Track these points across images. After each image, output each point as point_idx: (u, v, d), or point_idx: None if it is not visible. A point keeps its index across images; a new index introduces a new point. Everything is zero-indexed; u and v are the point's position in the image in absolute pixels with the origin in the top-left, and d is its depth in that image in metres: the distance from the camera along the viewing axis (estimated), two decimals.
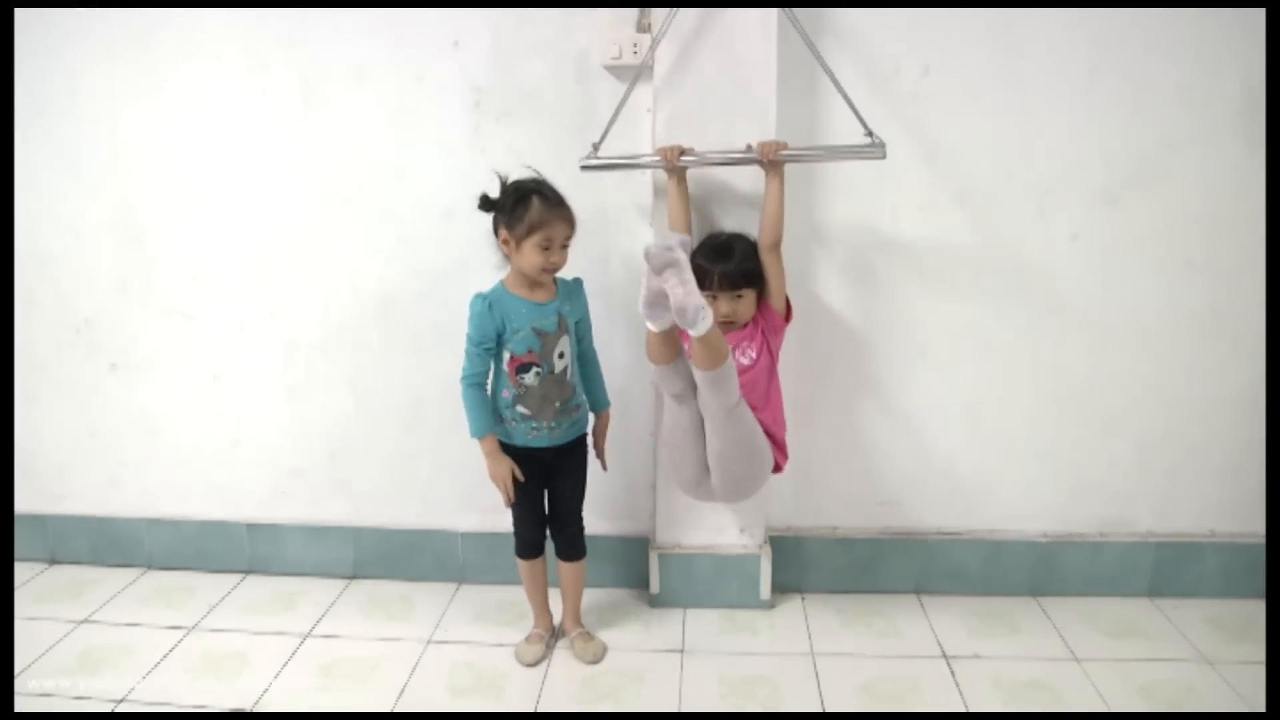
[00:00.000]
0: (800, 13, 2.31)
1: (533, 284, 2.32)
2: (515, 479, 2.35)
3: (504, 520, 2.81)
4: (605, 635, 2.62)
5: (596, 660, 2.50)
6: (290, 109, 2.69)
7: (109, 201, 2.84)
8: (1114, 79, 2.48)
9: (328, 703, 2.35)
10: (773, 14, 2.34)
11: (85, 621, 2.76)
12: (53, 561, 3.15)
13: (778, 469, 2.44)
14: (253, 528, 3.01)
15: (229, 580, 2.99)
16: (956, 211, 2.59)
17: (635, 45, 2.46)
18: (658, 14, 2.35)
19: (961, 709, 2.27)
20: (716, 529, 2.68)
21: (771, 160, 2.30)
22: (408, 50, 2.61)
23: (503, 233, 2.27)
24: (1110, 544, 2.76)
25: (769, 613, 2.72)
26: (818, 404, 2.74)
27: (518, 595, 2.74)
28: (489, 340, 2.29)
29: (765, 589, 2.72)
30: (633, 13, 2.47)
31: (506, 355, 2.31)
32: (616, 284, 2.69)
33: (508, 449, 2.37)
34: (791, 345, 2.57)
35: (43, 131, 2.81)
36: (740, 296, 2.36)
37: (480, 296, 2.31)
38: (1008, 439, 2.74)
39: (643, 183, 2.57)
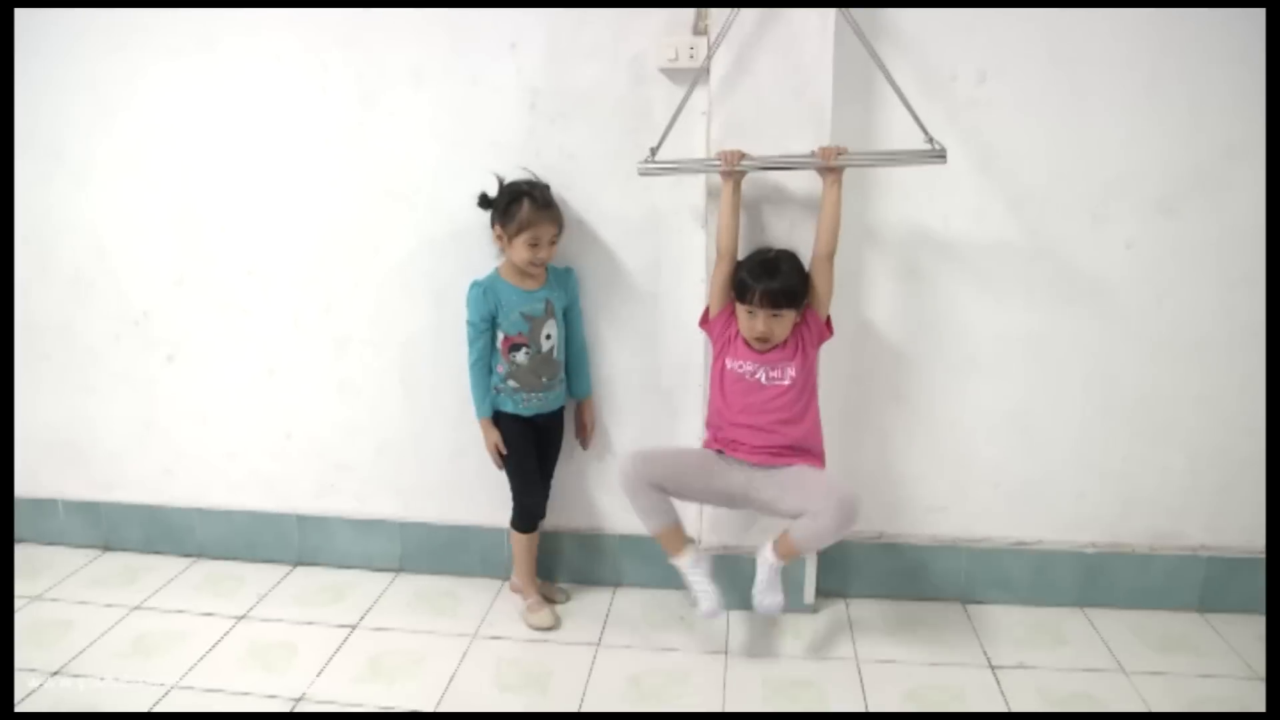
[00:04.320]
0: (858, 18, 2.30)
1: (523, 274, 2.57)
2: (502, 447, 2.65)
3: (551, 519, 2.87)
4: (650, 637, 2.65)
5: (567, 599, 2.84)
6: (348, 109, 2.73)
7: (169, 197, 2.89)
8: (1174, 88, 2.45)
9: (375, 695, 2.38)
10: (830, 18, 2.34)
11: (138, 608, 2.81)
12: (106, 548, 3.21)
13: (813, 460, 2.45)
14: (302, 520, 3.06)
15: (278, 571, 3.04)
16: (1010, 218, 2.57)
17: (692, 48, 2.47)
18: (715, 16, 2.36)
19: None
20: (762, 532, 2.68)
21: (831, 166, 2.28)
22: (464, 52, 2.63)
23: (497, 229, 2.54)
24: (1160, 557, 2.74)
25: (813, 617, 2.72)
26: (866, 409, 2.73)
27: None
28: (484, 321, 2.57)
29: (810, 593, 2.72)
30: (689, 16, 2.48)
31: (500, 336, 2.59)
32: (666, 289, 2.71)
33: (506, 416, 2.65)
34: (840, 349, 2.57)
35: (105, 129, 2.87)
36: (778, 315, 2.34)
37: (476, 283, 2.58)
38: (1057, 449, 2.72)
39: (695, 185, 2.58)
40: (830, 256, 2.36)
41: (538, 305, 2.58)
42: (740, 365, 2.40)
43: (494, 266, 2.63)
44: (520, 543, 2.75)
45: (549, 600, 2.80)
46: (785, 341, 2.40)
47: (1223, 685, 2.39)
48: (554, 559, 2.94)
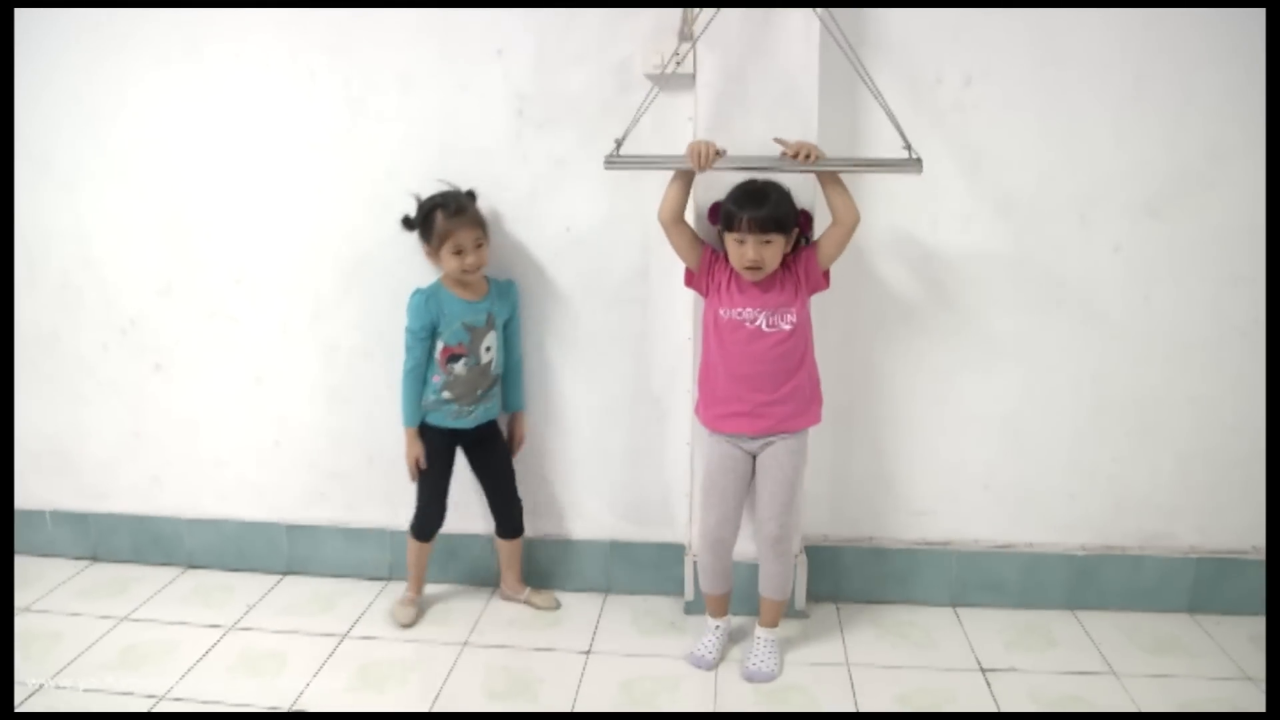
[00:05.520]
0: (843, 22, 2.29)
1: (464, 284, 2.58)
2: (423, 461, 2.67)
3: (541, 525, 2.87)
4: (640, 642, 2.64)
5: (557, 606, 2.82)
6: (335, 115, 2.72)
7: (157, 205, 2.88)
8: (1160, 90, 2.46)
9: (365, 703, 2.37)
10: (815, 24, 2.34)
11: (127, 619, 2.79)
12: (95, 559, 3.19)
13: (816, 420, 2.45)
14: (292, 529, 3.04)
15: (268, 580, 3.03)
16: (998, 222, 2.58)
17: (678, 54, 2.46)
18: (700, 18, 2.35)
19: None
20: (752, 537, 2.67)
21: (804, 170, 2.27)
22: (452, 58, 2.63)
23: (425, 247, 2.56)
24: (1151, 558, 2.74)
25: (804, 622, 2.72)
26: (856, 413, 2.73)
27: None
28: (425, 330, 2.57)
29: (801, 598, 2.71)
30: (675, 22, 2.48)
31: (439, 345, 2.58)
32: (654, 294, 2.71)
33: (432, 429, 2.66)
34: (830, 354, 2.56)
35: (92, 135, 2.86)
36: (768, 243, 2.25)
37: (419, 291, 2.59)
38: (1047, 451, 2.72)
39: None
40: (850, 227, 2.29)
41: (480, 316, 2.59)
42: (739, 313, 2.32)
43: (437, 277, 2.63)
44: (414, 547, 2.78)
45: (539, 590, 2.86)
46: (785, 284, 2.33)
47: (1215, 687, 2.39)
48: (545, 566, 2.93)
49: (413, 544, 2.78)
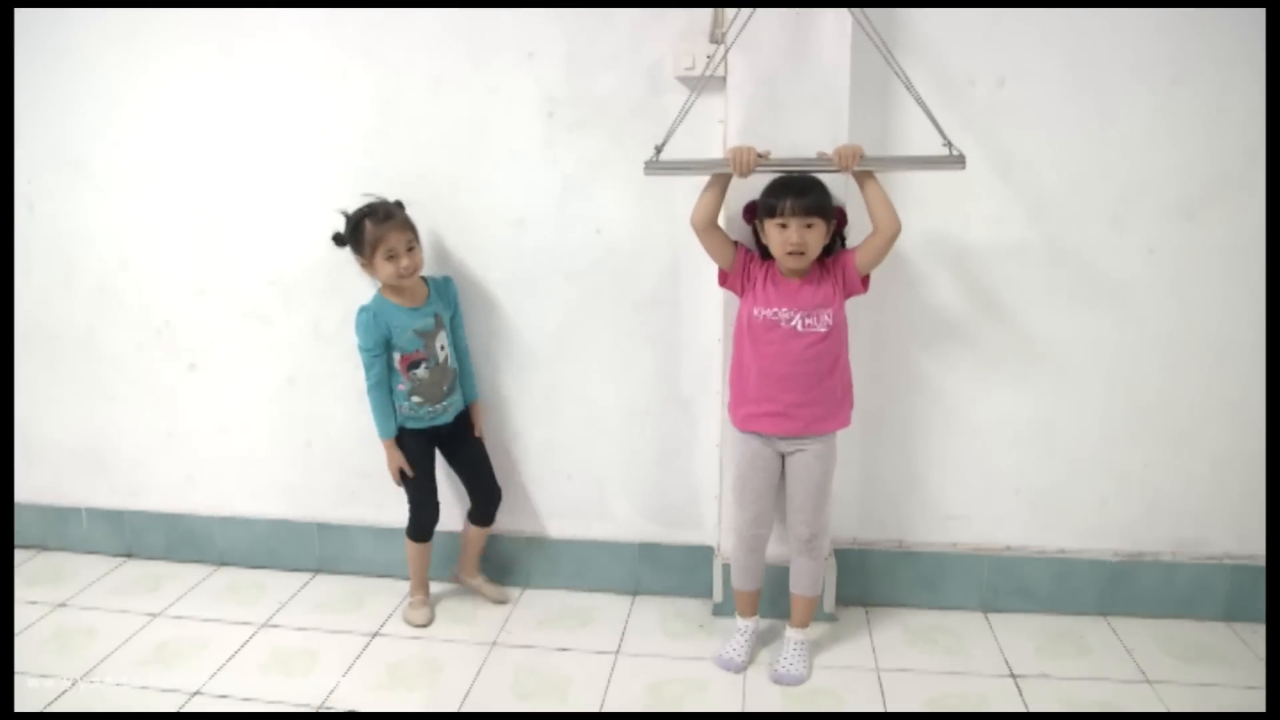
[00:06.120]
0: (875, 22, 2.28)
1: (402, 291, 2.61)
2: (407, 469, 2.70)
3: (569, 527, 2.88)
4: (669, 644, 2.64)
5: (506, 599, 2.89)
6: (367, 118, 2.75)
7: (191, 207, 2.92)
8: (1195, 92, 2.44)
9: (395, 702, 2.38)
10: (847, 24, 2.33)
11: (160, 615, 2.83)
12: (129, 556, 3.24)
13: (845, 424, 2.44)
14: (323, 528, 3.07)
15: (299, 579, 3.06)
16: (1030, 223, 2.56)
17: (709, 56, 2.47)
18: (732, 20, 2.34)
19: None
20: (781, 539, 2.67)
21: (848, 170, 2.25)
22: (483, 61, 2.65)
23: (359, 260, 2.59)
24: (1185, 565, 2.71)
25: (833, 625, 2.71)
26: (886, 416, 2.72)
27: (581, 601, 2.82)
28: (378, 346, 2.60)
29: (830, 601, 2.70)
30: (706, 24, 2.48)
31: (397, 356, 2.63)
32: (685, 295, 2.71)
33: (412, 433, 2.70)
34: (860, 354, 2.55)
35: (129, 140, 2.91)
36: (811, 226, 2.24)
37: (364, 309, 2.61)
38: (1079, 455, 2.70)
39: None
40: (893, 238, 2.27)
41: (428, 320, 2.63)
42: (775, 313, 2.31)
43: (375, 290, 2.65)
44: (414, 550, 2.80)
45: (487, 596, 2.90)
46: (821, 285, 2.32)
47: (1251, 696, 2.36)
48: (572, 566, 2.94)
49: (412, 547, 2.80)
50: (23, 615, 2.82)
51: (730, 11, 2.31)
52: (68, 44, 2.86)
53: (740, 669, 2.49)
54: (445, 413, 2.71)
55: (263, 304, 2.95)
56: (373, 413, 2.66)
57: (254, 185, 2.87)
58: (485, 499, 2.83)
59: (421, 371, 2.63)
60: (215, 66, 2.80)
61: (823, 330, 2.31)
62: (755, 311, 2.34)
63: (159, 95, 2.86)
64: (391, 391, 2.66)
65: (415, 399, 2.65)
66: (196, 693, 2.42)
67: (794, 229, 2.24)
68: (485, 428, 2.86)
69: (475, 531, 2.87)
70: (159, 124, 2.88)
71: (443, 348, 2.67)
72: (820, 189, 2.28)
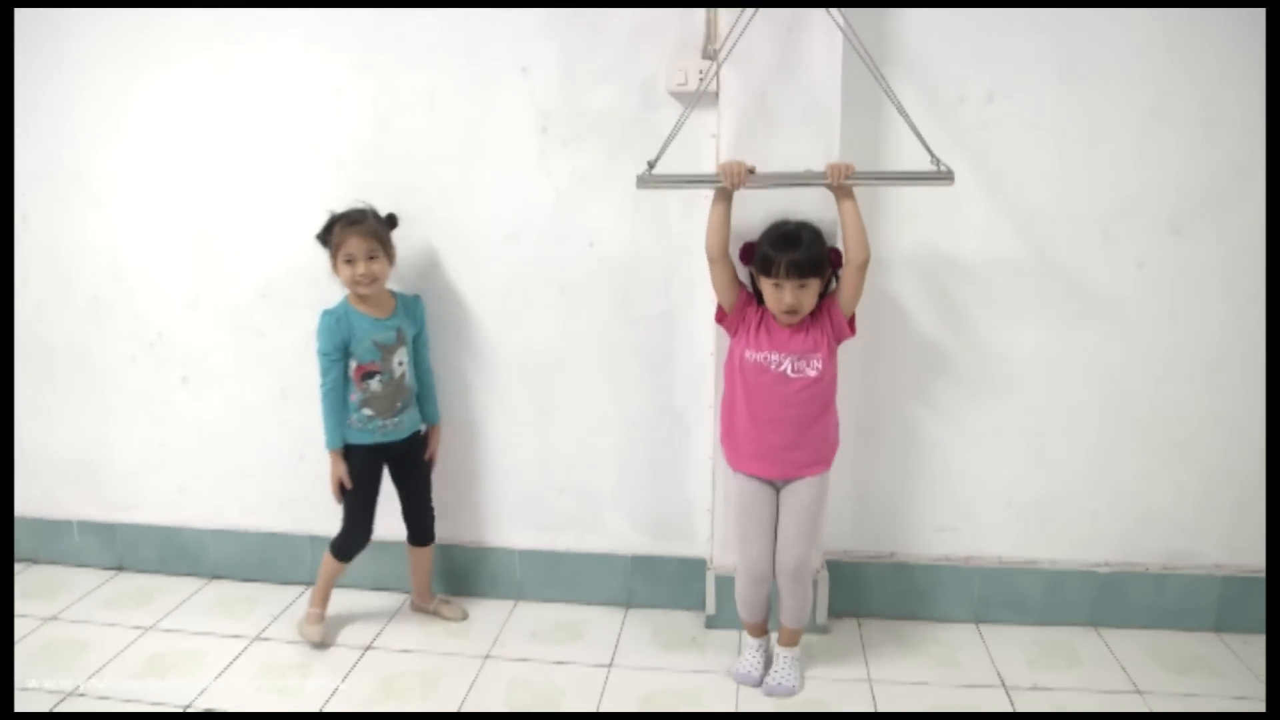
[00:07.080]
0: (865, 39, 2.30)
1: (368, 300, 2.60)
2: (349, 483, 2.66)
3: (562, 540, 2.88)
4: (663, 657, 2.64)
5: (465, 617, 2.86)
6: (362, 132, 2.76)
7: (185, 219, 2.92)
8: (1184, 106, 2.46)
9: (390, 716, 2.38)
10: (838, 40, 2.35)
11: (152, 628, 2.82)
12: (120, 569, 3.22)
13: (828, 467, 2.45)
14: (316, 540, 3.05)
15: (291, 592, 3.05)
16: (1021, 238, 2.58)
17: (701, 72, 2.49)
18: (722, 35, 2.36)
19: None
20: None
21: (839, 185, 2.27)
22: (477, 75, 2.67)
23: (329, 261, 2.58)
24: (1175, 576, 2.72)
25: (825, 637, 2.71)
26: (877, 428, 2.73)
27: (575, 614, 2.82)
28: (337, 351, 2.58)
29: (822, 613, 2.71)
30: (699, 39, 2.50)
31: (353, 364, 2.60)
32: (678, 309, 2.72)
33: (358, 449, 2.66)
34: (852, 370, 2.57)
35: (123, 151, 2.91)
36: (805, 286, 2.28)
37: (328, 312, 2.60)
38: (1070, 467, 2.71)
39: (707, 206, 2.57)
40: (862, 266, 2.30)
41: (389, 334, 2.62)
42: (765, 356, 2.34)
43: (343, 296, 2.64)
44: (331, 565, 2.75)
45: (448, 601, 2.91)
46: (811, 331, 2.35)
47: (1242, 707, 2.37)
48: (566, 579, 2.94)
49: (329, 560, 2.75)
50: (14, 628, 2.81)
51: (724, 26, 2.33)
52: (62, 57, 2.86)
53: (759, 682, 2.48)
54: (398, 429, 2.68)
55: (256, 316, 2.96)
56: (323, 419, 2.62)
57: (248, 198, 2.88)
58: (418, 519, 2.81)
59: (375, 384, 2.61)
60: (210, 80, 2.81)
61: (813, 375, 2.34)
62: (747, 354, 2.37)
63: (153, 108, 2.86)
64: (345, 402, 2.63)
65: (366, 410, 2.62)
66: (188, 706, 2.41)
67: (788, 290, 2.28)
68: (434, 454, 2.84)
69: (417, 553, 2.85)
70: (153, 137, 2.88)
71: (400, 364, 2.65)
72: (815, 241, 2.31)
